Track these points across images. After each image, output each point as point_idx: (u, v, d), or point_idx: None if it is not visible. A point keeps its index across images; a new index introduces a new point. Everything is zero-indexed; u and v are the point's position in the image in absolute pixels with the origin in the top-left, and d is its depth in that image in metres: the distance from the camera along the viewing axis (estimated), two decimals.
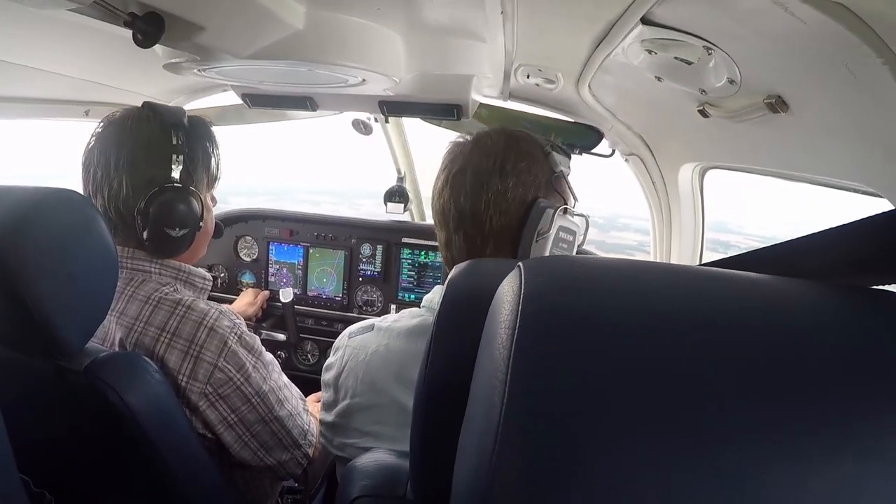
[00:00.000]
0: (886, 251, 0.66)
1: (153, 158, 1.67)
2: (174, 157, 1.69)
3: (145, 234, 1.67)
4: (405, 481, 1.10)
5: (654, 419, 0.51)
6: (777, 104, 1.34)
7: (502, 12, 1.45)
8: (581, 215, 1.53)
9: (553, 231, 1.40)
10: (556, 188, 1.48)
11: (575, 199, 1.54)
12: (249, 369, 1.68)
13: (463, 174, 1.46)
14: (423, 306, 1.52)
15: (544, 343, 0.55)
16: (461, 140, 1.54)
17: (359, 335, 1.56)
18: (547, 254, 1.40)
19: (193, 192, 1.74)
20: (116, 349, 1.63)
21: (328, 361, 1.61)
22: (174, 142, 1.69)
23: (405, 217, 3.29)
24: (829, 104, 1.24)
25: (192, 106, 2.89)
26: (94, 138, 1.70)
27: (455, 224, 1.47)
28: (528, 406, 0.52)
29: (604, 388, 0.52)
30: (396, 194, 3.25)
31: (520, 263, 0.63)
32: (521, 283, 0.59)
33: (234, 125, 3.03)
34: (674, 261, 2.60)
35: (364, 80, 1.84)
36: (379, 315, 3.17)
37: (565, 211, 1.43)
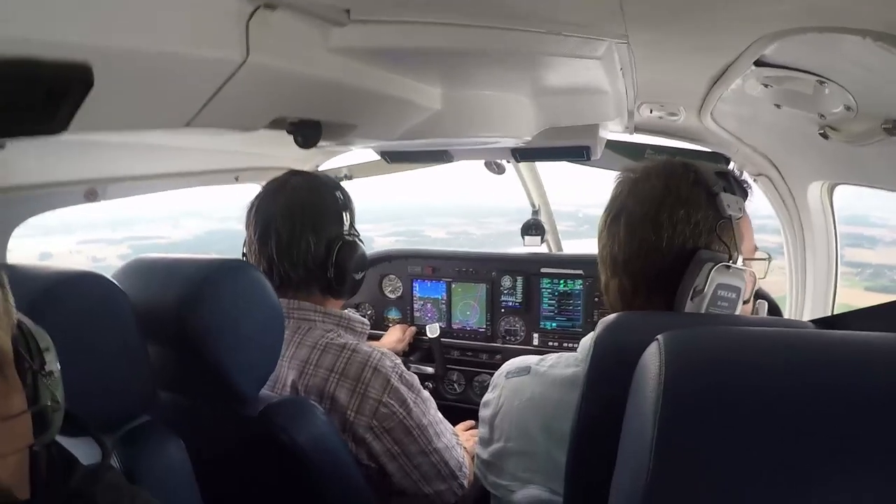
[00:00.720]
0: None
1: (332, 217, 1.94)
2: (344, 214, 1.96)
3: (336, 282, 1.94)
4: None
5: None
6: (895, 128, 1.36)
7: (621, 69, 1.56)
8: (759, 259, 1.45)
9: (709, 290, 1.26)
10: (721, 236, 1.30)
11: (739, 250, 1.32)
12: (410, 404, 1.84)
13: (617, 221, 1.37)
14: (581, 356, 1.45)
15: (684, 423, 0.66)
16: (623, 177, 1.43)
17: (516, 377, 1.54)
18: (703, 311, 1.28)
19: (360, 240, 2.01)
20: (288, 390, 1.83)
21: (486, 398, 1.61)
22: (340, 201, 1.96)
23: (542, 248, 3.35)
24: None
25: (328, 164, 3.15)
26: (265, 207, 1.94)
27: (611, 270, 1.40)
28: (671, 479, 0.65)
29: (730, 468, 0.63)
30: (532, 227, 3.30)
31: (658, 338, 0.74)
32: (660, 361, 0.70)
33: (372, 175, 3.24)
34: (809, 276, 2.58)
35: (498, 141, 1.99)
36: (522, 343, 3.29)
37: (728, 267, 1.28)
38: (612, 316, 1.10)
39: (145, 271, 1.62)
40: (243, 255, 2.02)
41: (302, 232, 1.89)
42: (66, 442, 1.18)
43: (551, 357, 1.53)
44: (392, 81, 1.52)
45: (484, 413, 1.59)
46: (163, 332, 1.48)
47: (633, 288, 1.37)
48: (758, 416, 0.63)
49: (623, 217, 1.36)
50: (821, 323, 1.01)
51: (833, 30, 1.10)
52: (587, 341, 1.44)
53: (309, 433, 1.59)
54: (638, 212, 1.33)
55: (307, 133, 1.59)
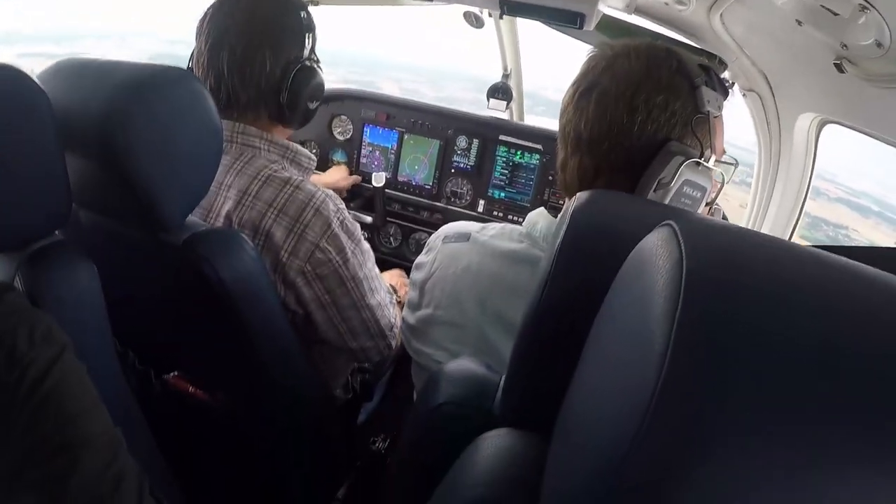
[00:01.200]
0: None
1: (294, 38, 1.79)
2: (307, 37, 1.81)
3: (287, 108, 1.80)
4: (492, 395, 1.11)
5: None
6: None
7: None
8: (726, 163, 1.39)
9: (676, 184, 1.20)
10: (695, 131, 1.23)
11: (713, 150, 1.26)
12: (348, 253, 1.76)
13: (587, 97, 1.26)
14: (526, 231, 1.42)
15: (713, 331, 0.51)
16: (600, 52, 1.32)
17: (454, 242, 1.50)
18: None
19: (320, 67, 1.88)
20: (221, 220, 1.72)
21: (419, 260, 1.59)
22: (304, 22, 1.80)
23: (505, 115, 3.22)
24: None
25: None
26: (221, 15, 1.75)
27: (572, 148, 1.31)
28: (688, 386, 0.50)
29: (761, 382, 0.49)
30: (500, 91, 3.16)
31: (674, 225, 0.59)
32: (681, 253, 0.55)
33: (338, 4, 2.98)
34: (772, 208, 2.52)
35: None
36: (467, 207, 3.23)
37: (697, 164, 1.21)
38: (585, 194, 0.97)
39: (73, 74, 1.42)
40: (189, 68, 1.82)
41: (259, 47, 1.73)
42: None
43: (493, 226, 1.49)
44: None
45: (416, 276, 1.57)
46: (86, 142, 1.31)
47: (595, 170, 1.29)
48: (801, 345, 0.50)
49: (595, 93, 1.26)
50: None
51: None
52: (537, 219, 1.41)
53: (234, 268, 1.50)
54: (613, 90, 1.24)
55: None
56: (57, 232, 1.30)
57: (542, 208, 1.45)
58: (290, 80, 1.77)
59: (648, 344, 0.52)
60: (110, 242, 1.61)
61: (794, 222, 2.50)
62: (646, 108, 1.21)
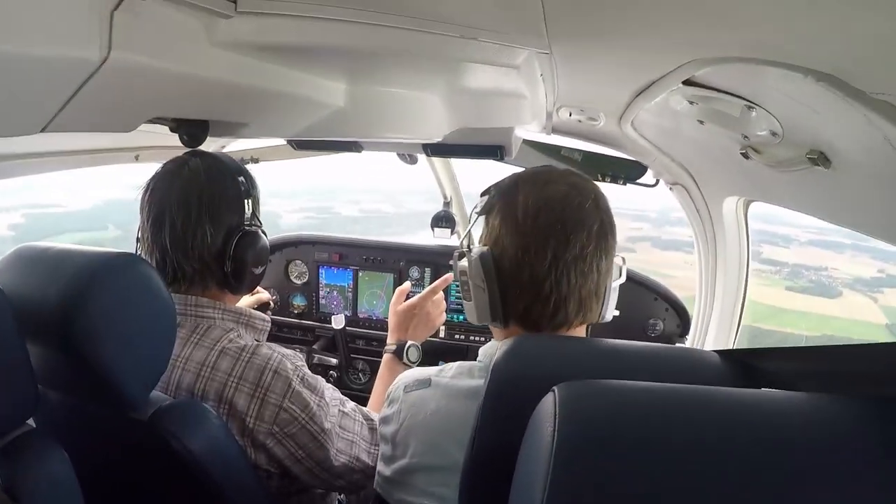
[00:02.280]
0: None
1: (232, 206, 1.80)
2: (246, 202, 1.81)
3: (233, 276, 1.81)
4: None
5: None
6: (819, 159, 1.31)
7: (542, 76, 1.46)
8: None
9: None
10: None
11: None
12: (314, 408, 1.75)
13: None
14: (483, 365, 1.46)
15: (575, 484, 0.62)
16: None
17: (415, 390, 1.52)
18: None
19: (263, 231, 1.88)
20: (183, 393, 1.72)
21: (384, 413, 1.58)
22: (242, 188, 1.81)
23: (453, 241, 3.30)
24: (869, 168, 1.22)
25: (235, 146, 2.97)
26: (160, 191, 1.78)
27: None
28: None
29: None
30: (443, 219, 3.26)
31: (554, 391, 0.71)
32: (554, 422, 0.67)
33: (280, 160, 3.10)
34: (718, 290, 2.60)
35: (408, 139, 1.88)
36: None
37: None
38: (507, 342, 1.06)
39: (29, 262, 1.49)
40: (137, 240, 1.86)
41: (198, 221, 1.74)
42: None
43: (449, 367, 1.51)
44: (288, 77, 1.39)
45: (384, 430, 1.55)
46: (46, 330, 1.36)
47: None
48: (651, 479, 0.61)
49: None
50: (724, 356, 1.00)
51: (774, 64, 1.03)
52: (490, 351, 1.46)
53: (202, 439, 1.52)
54: None
55: (192, 132, 1.47)
56: (29, 421, 1.33)
57: (493, 341, 1.50)
58: (233, 248, 1.78)
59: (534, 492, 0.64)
60: (80, 421, 1.63)
61: (741, 296, 2.57)
62: None
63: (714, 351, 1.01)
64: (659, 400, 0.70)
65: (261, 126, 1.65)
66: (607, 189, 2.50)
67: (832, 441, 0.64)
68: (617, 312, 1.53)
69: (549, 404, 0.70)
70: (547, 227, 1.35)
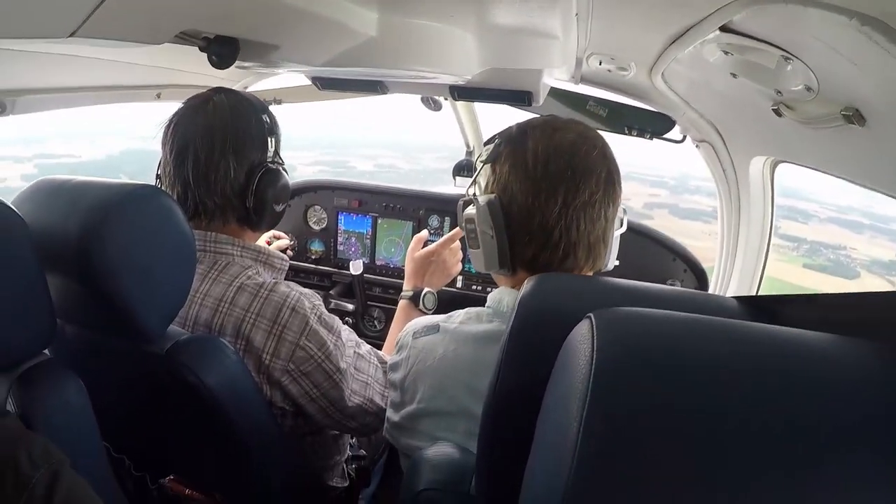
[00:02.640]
0: None
1: (256, 142, 1.81)
2: (269, 140, 1.83)
3: (254, 212, 1.82)
4: (469, 478, 1.15)
5: (702, 467, 0.58)
6: (854, 117, 1.29)
7: (576, 14, 1.43)
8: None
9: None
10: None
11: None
12: (330, 347, 1.78)
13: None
14: (490, 307, 1.48)
15: (614, 406, 0.62)
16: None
17: (424, 336, 1.53)
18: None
19: (285, 170, 1.89)
20: (200, 328, 1.74)
21: (392, 360, 1.60)
22: (266, 125, 1.83)
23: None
24: None
25: (258, 86, 2.95)
26: (184, 126, 1.79)
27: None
28: (600, 452, 0.60)
29: (661, 440, 0.59)
30: (465, 168, 3.26)
31: (591, 317, 0.70)
32: (592, 350, 0.66)
33: (303, 102, 3.07)
34: (740, 250, 2.58)
35: (436, 76, 1.86)
36: (446, 285, 3.22)
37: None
38: (533, 279, 1.05)
39: (49, 195, 1.50)
40: (157, 176, 1.87)
41: (222, 155, 1.76)
42: None
43: (458, 314, 1.53)
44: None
45: (393, 376, 1.57)
46: (65, 262, 1.38)
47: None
48: (691, 412, 0.61)
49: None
50: (745, 301, 1.00)
51: (818, 5, 1.00)
52: (500, 295, 1.47)
53: (218, 374, 1.54)
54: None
55: (222, 51, 1.45)
56: (46, 351, 1.34)
57: (503, 286, 1.51)
58: (255, 184, 1.79)
59: (566, 434, 0.63)
60: (96, 354, 1.65)
61: (762, 260, 2.55)
62: None
63: (735, 297, 1.01)
64: (696, 327, 0.70)
65: (291, 50, 1.63)
66: (625, 147, 2.50)
67: (857, 384, 0.64)
68: (617, 262, 1.55)
69: (585, 329, 0.69)
70: (557, 174, 1.37)
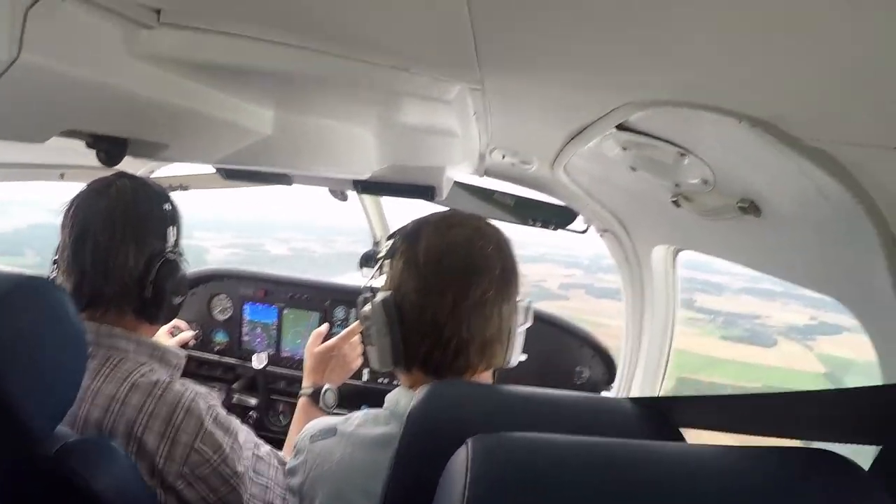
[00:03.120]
0: (862, 415, 0.76)
1: (157, 231, 1.78)
2: (170, 229, 1.80)
3: (152, 304, 1.76)
4: None
5: None
6: (750, 208, 1.34)
7: (474, 113, 1.45)
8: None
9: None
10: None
11: None
12: (226, 450, 1.70)
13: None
14: (389, 412, 1.46)
15: None
16: None
17: (321, 440, 1.50)
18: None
19: (184, 261, 1.85)
20: (91, 429, 1.64)
21: (290, 465, 1.56)
22: (168, 214, 1.80)
23: (382, 281, 3.25)
24: (799, 218, 1.25)
25: (164, 171, 2.91)
26: (85, 209, 1.74)
27: None
28: None
29: None
30: (371, 259, 3.19)
31: (468, 443, 0.72)
32: (466, 478, 0.67)
33: (211, 188, 3.03)
34: (645, 338, 2.62)
35: (337, 174, 1.85)
36: (352, 378, 3.14)
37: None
38: (426, 388, 1.06)
39: None
40: (54, 261, 1.79)
41: (122, 241, 1.70)
42: None
43: (356, 416, 1.49)
44: (213, 99, 1.34)
45: (292, 481, 1.51)
46: None
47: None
48: None
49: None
50: (639, 403, 1.02)
51: (710, 109, 1.03)
52: (397, 397, 1.44)
53: (109, 478, 1.45)
54: None
55: (110, 149, 1.42)
56: None
57: (400, 387, 1.49)
58: (154, 274, 1.74)
59: None
60: None
61: (667, 345, 2.59)
62: None
63: (629, 399, 1.02)
64: (572, 453, 0.71)
65: (183, 149, 1.60)
66: (539, 233, 2.53)
67: (742, 492, 0.66)
68: (524, 357, 1.54)
69: (461, 458, 0.70)
70: (448, 272, 1.37)
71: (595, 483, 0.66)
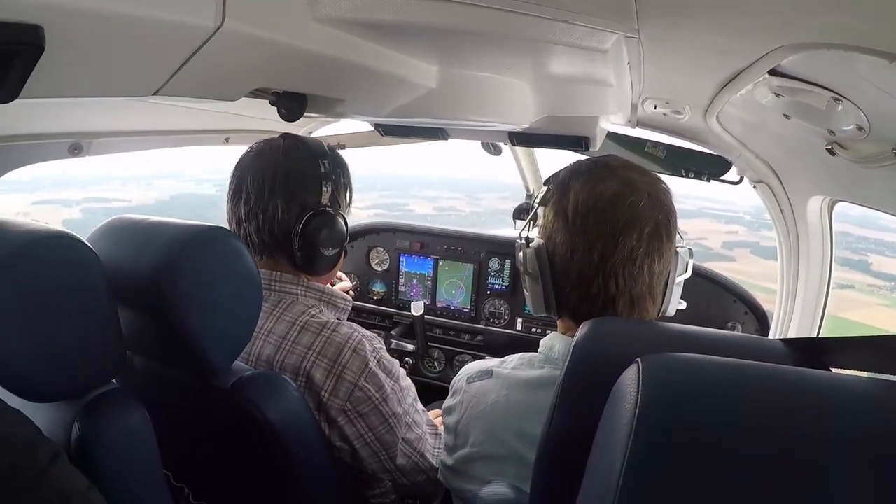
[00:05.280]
0: None
1: (308, 186, 1.85)
2: (323, 183, 1.86)
3: (300, 254, 1.84)
4: None
5: None
6: None
7: (628, 62, 1.48)
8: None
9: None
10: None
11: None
12: (387, 391, 1.80)
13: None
14: (544, 356, 1.50)
15: (654, 453, 0.65)
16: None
17: (477, 381, 1.55)
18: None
19: (340, 215, 1.92)
20: (263, 365, 1.79)
21: (447, 404, 1.62)
22: (322, 170, 1.87)
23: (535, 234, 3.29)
24: None
25: (323, 132, 3.06)
26: (242, 167, 1.88)
27: None
28: (641, 495, 0.63)
29: (703, 483, 0.62)
30: (525, 211, 3.25)
31: (638, 362, 0.74)
32: (637, 390, 0.69)
33: (366, 147, 3.15)
34: (800, 290, 2.55)
35: (494, 124, 1.93)
36: (505, 327, 3.27)
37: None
38: (589, 323, 1.08)
39: (122, 233, 1.58)
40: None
41: (272, 195, 1.82)
42: (33, 408, 1.21)
43: (511, 359, 1.55)
44: (384, 56, 1.44)
45: (448, 420, 1.59)
46: (137, 297, 1.46)
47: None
48: (732, 459, 0.63)
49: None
50: (791, 344, 1.00)
51: (859, 49, 1.03)
52: (552, 342, 1.48)
53: (280, 409, 1.58)
54: None
55: (291, 105, 1.53)
56: (113, 381, 1.41)
57: (554, 333, 1.53)
58: (302, 226, 1.82)
59: (609, 475, 0.66)
60: (162, 386, 1.72)
61: (823, 300, 2.51)
62: None
63: (782, 339, 1.02)
64: (737, 372, 0.72)
65: (355, 103, 1.70)
66: (694, 185, 2.50)
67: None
68: (683, 305, 1.55)
69: (632, 373, 0.73)
70: (595, 229, 1.38)
71: (764, 401, 0.67)
